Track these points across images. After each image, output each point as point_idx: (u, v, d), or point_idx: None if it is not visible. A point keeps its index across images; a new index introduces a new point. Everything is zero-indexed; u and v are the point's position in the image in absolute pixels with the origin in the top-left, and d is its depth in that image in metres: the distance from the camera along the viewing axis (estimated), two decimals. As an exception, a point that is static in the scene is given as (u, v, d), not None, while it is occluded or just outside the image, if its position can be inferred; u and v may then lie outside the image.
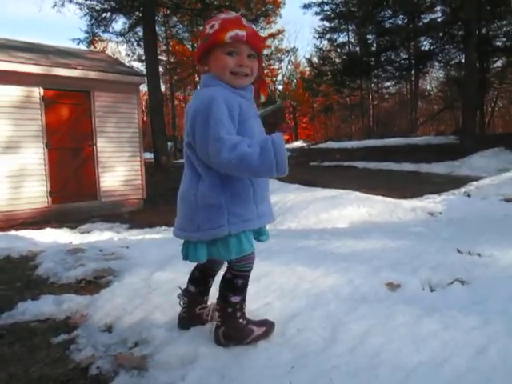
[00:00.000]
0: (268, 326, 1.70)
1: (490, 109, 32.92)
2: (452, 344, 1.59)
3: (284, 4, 30.76)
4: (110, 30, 19.17)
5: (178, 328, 1.83)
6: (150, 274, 2.58)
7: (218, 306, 1.69)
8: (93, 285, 2.55)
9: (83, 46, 18.01)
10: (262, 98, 1.78)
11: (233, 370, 1.47)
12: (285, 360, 1.51)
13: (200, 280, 1.85)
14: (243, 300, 1.70)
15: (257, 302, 2.00)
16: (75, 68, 9.06)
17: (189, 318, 1.82)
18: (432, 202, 7.14)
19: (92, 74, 9.24)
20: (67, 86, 8.95)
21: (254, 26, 1.67)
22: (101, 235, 6.82)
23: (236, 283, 1.67)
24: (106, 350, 1.72)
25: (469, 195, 7.37)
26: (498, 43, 22.42)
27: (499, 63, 25.67)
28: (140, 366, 1.55)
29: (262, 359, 1.52)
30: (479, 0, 17.40)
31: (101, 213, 9.37)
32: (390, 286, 2.19)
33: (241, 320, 1.67)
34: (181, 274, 2.56)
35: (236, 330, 1.65)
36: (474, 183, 8.00)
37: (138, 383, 1.47)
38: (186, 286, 1.87)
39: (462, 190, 7.75)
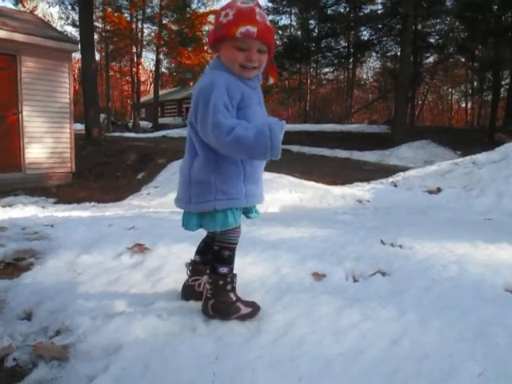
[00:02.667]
0: (255, 307, 1.78)
1: (420, 102, 34.49)
2: (370, 335, 1.67)
3: (227, -16, 30.32)
4: (42, -11, 17.92)
5: (180, 297, 1.94)
6: (76, 256, 2.50)
7: (210, 279, 1.77)
8: (12, 267, 2.42)
9: (10, 5, 16.75)
10: (271, 81, 1.84)
11: (156, 361, 1.46)
12: (209, 350, 1.53)
13: (205, 250, 1.94)
14: (231, 272, 1.79)
15: (185, 290, 1.99)
16: (0, 28, 8.41)
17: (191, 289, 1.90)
18: (361, 190, 7.39)
19: (18, 36, 8.61)
20: (-10, 48, 8.32)
21: (266, 19, 1.67)
22: (24, 210, 6.51)
23: (223, 254, 1.77)
24: (25, 339, 1.64)
25: (395, 185, 7.69)
26: (431, 40, 23.49)
27: (431, 59, 26.94)
28: (61, 357, 1.50)
29: (186, 349, 1.52)
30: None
31: (25, 186, 8.91)
32: (315, 276, 2.26)
33: (231, 295, 1.76)
34: (108, 257, 2.51)
35: (224, 304, 1.74)
36: (401, 174, 8.35)
37: (58, 375, 1.43)
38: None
39: (390, 179, 8.07)
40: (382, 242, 3.00)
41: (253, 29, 1.59)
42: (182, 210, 1.82)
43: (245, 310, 1.76)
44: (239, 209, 1.74)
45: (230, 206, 1.69)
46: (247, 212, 1.85)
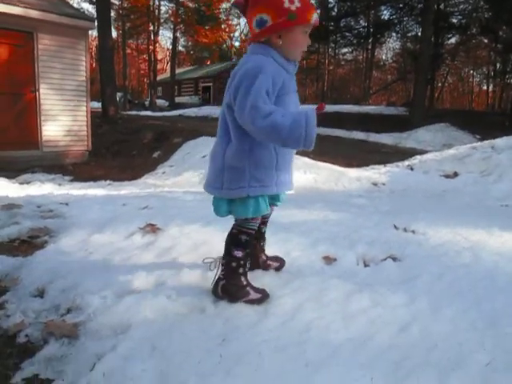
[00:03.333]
0: (264, 294, 1.79)
1: (440, 84, 33.80)
2: (378, 321, 1.66)
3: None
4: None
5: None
6: (89, 235, 2.53)
7: (223, 260, 1.81)
8: (26, 245, 2.45)
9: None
10: None
11: (164, 341, 1.47)
12: (217, 332, 1.53)
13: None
14: (246, 257, 1.81)
15: (194, 271, 2.00)
16: (16, 4, 8.38)
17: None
18: (377, 173, 7.31)
19: (34, 13, 8.57)
20: (6, 24, 8.30)
21: None
22: (41, 187, 6.58)
23: (240, 238, 1.79)
24: (37, 316, 1.68)
25: (412, 168, 7.58)
26: (454, 20, 22.87)
27: (453, 40, 26.26)
28: (71, 334, 1.53)
29: (194, 331, 1.54)
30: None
31: (42, 163, 9.01)
32: (326, 260, 2.25)
33: (242, 279, 1.79)
34: (121, 237, 2.54)
35: (235, 287, 1.76)
36: (418, 157, 8.23)
37: (68, 352, 1.45)
38: None
39: (406, 162, 7.96)
40: (395, 226, 2.97)
41: (317, 15, 1.68)
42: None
43: (254, 295, 1.77)
44: (267, 196, 1.77)
45: (263, 192, 1.71)
46: (273, 200, 1.88)
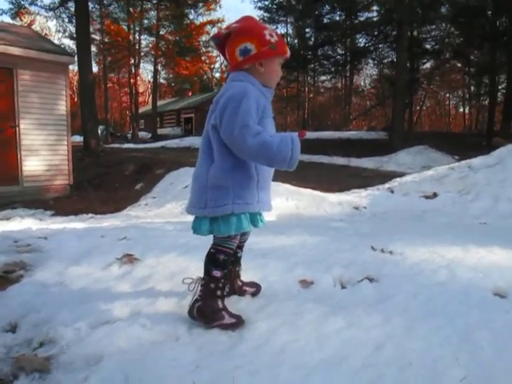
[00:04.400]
0: (239, 320, 1.79)
1: (418, 107, 34.58)
2: (353, 342, 1.67)
3: (224, -5, 30.68)
4: (39, 3, 18.08)
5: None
6: (65, 268, 2.50)
7: (202, 281, 1.82)
8: (1, 280, 2.42)
9: (7, 18, 16.87)
10: None
11: (137, 371, 1.46)
12: (190, 359, 1.52)
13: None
14: (224, 278, 1.82)
15: (170, 299, 2.00)
16: (-5, 42, 8.46)
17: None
18: (358, 197, 7.40)
19: (13, 50, 8.66)
20: (-14, 62, 8.35)
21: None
22: (22, 222, 6.51)
23: (218, 258, 1.81)
24: (8, 351, 1.64)
25: (392, 191, 7.68)
26: (427, 46, 23.62)
27: (428, 65, 27.08)
28: (42, 368, 1.50)
29: (167, 359, 1.52)
30: (411, 4, 18.12)
31: (23, 198, 8.93)
32: (303, 284, 2.26)
33: (219, 302, 1.80)
34: (97, 268, 2.52)
35: (210, 309, 1.77)
36: (398, 179, 8.35)
37: (38, 387, 1.43)
38: None
39: (387, 185, 8.06)
40: (372, 248, 3.00)
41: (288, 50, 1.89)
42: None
43: (228, 319, 1.77)
44: (248, 214, 1.81)
45: (246, 210, 1.77)
46: (255, 221, 1.89)
